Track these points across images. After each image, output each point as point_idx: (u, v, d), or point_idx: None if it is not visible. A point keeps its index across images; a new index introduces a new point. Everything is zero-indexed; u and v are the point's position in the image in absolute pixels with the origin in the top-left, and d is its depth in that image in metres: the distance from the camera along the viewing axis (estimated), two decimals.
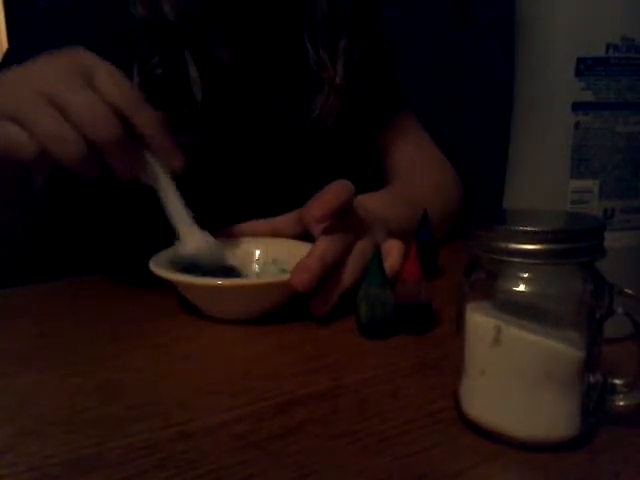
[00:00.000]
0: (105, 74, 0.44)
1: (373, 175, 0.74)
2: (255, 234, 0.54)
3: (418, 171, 0.72)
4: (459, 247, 0.63)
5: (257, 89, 0.66)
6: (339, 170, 0.64)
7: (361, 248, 0.49)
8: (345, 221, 0.49)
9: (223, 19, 0.64)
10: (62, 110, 0.42)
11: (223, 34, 0.64)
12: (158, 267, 0.47)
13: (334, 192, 0.48)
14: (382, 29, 0.76)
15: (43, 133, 0.42)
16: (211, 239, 0.49)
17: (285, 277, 0.46)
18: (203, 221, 0.50)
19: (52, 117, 0.41)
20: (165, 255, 0.50)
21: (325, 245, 0.46)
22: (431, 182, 0.71)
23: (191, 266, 0.50)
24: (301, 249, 0.50)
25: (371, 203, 0.58)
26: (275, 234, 0.54)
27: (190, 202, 0.49)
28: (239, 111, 0.64)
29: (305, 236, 0.52)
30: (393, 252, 0.50)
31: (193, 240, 0.49)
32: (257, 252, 0.54)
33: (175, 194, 0.48)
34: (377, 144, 0.75)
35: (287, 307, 0.48)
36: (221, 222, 0.54)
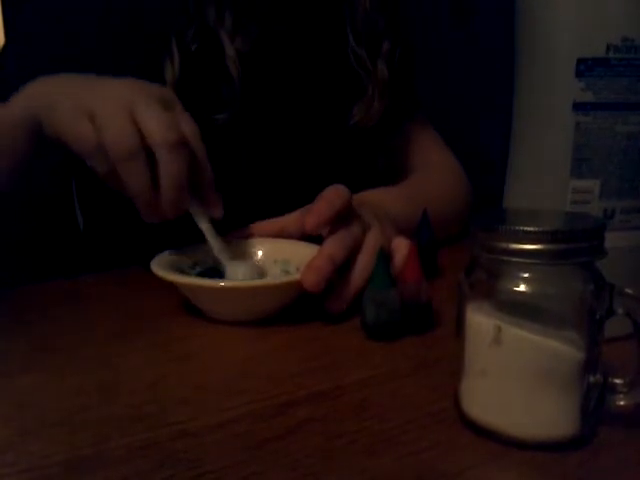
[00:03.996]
0: (184, 113, 0.47)
1: (384, 174, 0.74)
2: (263, 234, 0.54)
3: (431, 173, 0.73)
4: (459, 247, 0.63)
5: (295, 74, 0.66)
6: (352, 169, 0.65)
7: (371, 243, 0.49)
8: (350, 219, 0.49)
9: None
10: (140, 123, 0.44)
11: (261, 12, 0.64)
12: (160, 269, 0.47)
13: (328, 200, 0.48)
14: (407, 33, 0.77)
15: (109, 135, 0.44)
16: (253, 265, 0.51)
17: (289, 278, 0.46)
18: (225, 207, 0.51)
19: (124, 128, 0.44)
20: (167, 256, 0.50)
21: (333, 244, 0.47)
22: (442, 184, 0.72)
23: (191, 267, 0.50)
24: (304, 249, 0.50)
25: (381, 198, 0.58)
26: (283, 234, 0.54)
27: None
28: (275, 94, 0.65)
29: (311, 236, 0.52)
30: (401, 250, 0.49)
31: (239, 270, 0.50)
32: (259, 253, 0.54)
33: (213, 233, 0.50)
34: (392, 145, 0.76)
35: (287, 307, 0.48)
36: (244, 206, 0.55)
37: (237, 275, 0.49)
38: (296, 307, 0.47)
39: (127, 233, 0.67)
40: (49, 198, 0.70)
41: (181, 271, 0.49)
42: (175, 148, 0.44)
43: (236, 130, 0.60)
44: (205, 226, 0.50)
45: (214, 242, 0.50)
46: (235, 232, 0.55)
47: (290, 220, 0.53)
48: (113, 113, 0.44)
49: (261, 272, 0.50)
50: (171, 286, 0.47)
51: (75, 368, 0.40)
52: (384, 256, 0.43)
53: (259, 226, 0.55)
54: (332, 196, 0.48)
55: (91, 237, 0.73)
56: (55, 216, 0.74)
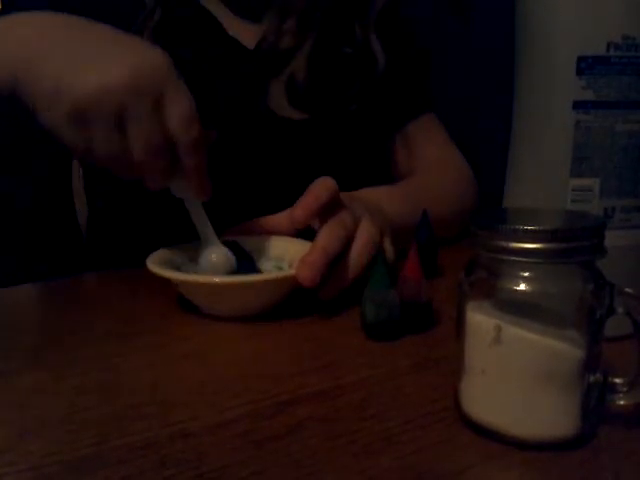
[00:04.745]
0: (177, 106, 0.45)
1: (384, 172, 0.74)
2: (255, 233, 0.54)
3: (433, 172, 0.73)
4: (459, 247, 0.63)
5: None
6: (353, 164, 0.65)
7: (364, 233, 0.49)
8: (341, 212, 0.49)
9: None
10: (125, 129, 0.44)
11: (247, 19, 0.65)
12: (155, 265, 0.47)
13: (314, 193, 0.49)
14: (414, 31, 0.77)
15: (97, 142, 0.44)
16: (231, 255, 0.51)
17: (284, 273, 0.46)
18: (212, 211, 0.50)
19: (113, 133, 0.44)
20: (162, 253, 0.50)
21: (325, 238, 0.47)
22: (445, 184, 0.72)
23: (187, 263, 0.50)
24: (297, 246, 0.50)
25: (377, 196, 0.58)
26: (275, 232, 0.54)
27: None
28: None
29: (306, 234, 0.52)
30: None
31: (216, 255, 0.50)
32: (253, 250, 0.54)
33: (202, 213, 0.50)
34: (398, 142, 0.76)
35: (287, 307, 0.48)
36: (233, 208, 0.55)
37: (211, 260, 0.49)
38: (296, 307, 0.47)
39: (129, 232, 0.67)
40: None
41: (177, 267, 0.49)
42: (150, 159, 0.45)
43: (228, 131, 0.60)
44: (190, 201, 0.50)
45: (199, 218, 0.50)
46: (228, 231, 0.55)
47: (282, 218, 0.54)
48: (99, 117, 0.43)
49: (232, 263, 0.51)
50: (171, 286, 0.47)
51: (75, 368, 0.40)
52: (382, 255, 0.43)
53: (251, 224, 0.55)
54: (319, 189, 0.49)
55: (93, 237, 0.73)
56: (55, 216, 0.74)
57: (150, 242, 0.51)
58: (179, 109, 0.45)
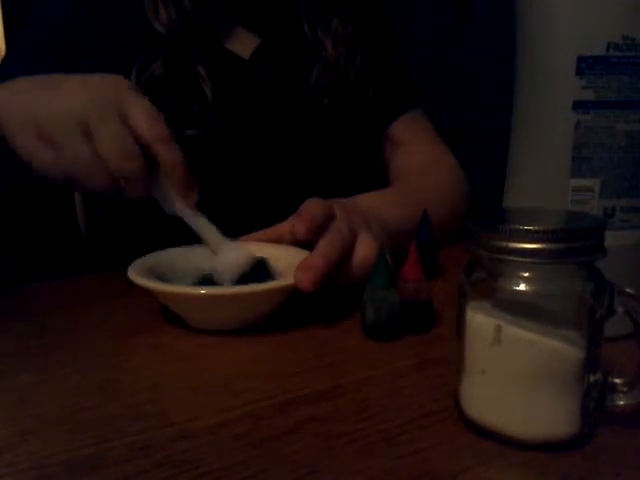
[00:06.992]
0: (138, 109, 0.47)
1: (375, 174, 0.74)
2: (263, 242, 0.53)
3: (427, 173, 0.72)
4: (459, 247, 0.63)
5: (268, 82, 0.67)
6: (344, 166, 0.65)
7: (361, 250, 0.49)
8: (340, 223, 0.49)
9: (237, 11, 0.66)
10: (93, 140, 0.45)
11: (241, 26, 0.66)
12: (137, 276, 0.45)
13: (310, 210, 0.49)
14: (389, 26, 0.77)
15: (69, 159, 0.46)
16: (245, 248, 0.50)
17: (273, 284, 0.45)
18: (213, 218, 0.50)
19: (82, 145, 0.45)
20: (144, 262, 0.48)
21: (326, 245, 0.47)
22: (439, 185, 0.71)
23: (168, 273, 0.49)
24: (287, 253, 0.49)
25: (374, 203, 0.58)
26: (281, 241, 0.52)
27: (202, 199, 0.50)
28: (248, 104, 0.66)
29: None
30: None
31: (233, 253, 0.49)
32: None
33: (197, 216, 0.50)
34: (386, 142, 0.75)
35: (287, 307, 0.48)
36: (230, 218, 0.55)
37: (231, 261, 0.48)
38: (296, 307, 0.47)
39: (129, 233, 0.67)
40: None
41: (158, 276, 0.46)
42: (125, 160, 0.45)
43: (214, 142, 0.61)
44: (183, 208, 0.49)
45: (199, 225, 0.49)
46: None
47: (287, 227, 0.52)
48: (67, 133, 0.45)
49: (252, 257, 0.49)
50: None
51: (75, 368, 0.40)
52: (384, 255, 0.43)
53: (258, 236, 0.53)
54: (313, 208, 0.49)
55: (93, 237, 0.73)
56: (56, 216, 0.74)
57: (149, 243, 0.51)
58: (141, 113, 0.47)
